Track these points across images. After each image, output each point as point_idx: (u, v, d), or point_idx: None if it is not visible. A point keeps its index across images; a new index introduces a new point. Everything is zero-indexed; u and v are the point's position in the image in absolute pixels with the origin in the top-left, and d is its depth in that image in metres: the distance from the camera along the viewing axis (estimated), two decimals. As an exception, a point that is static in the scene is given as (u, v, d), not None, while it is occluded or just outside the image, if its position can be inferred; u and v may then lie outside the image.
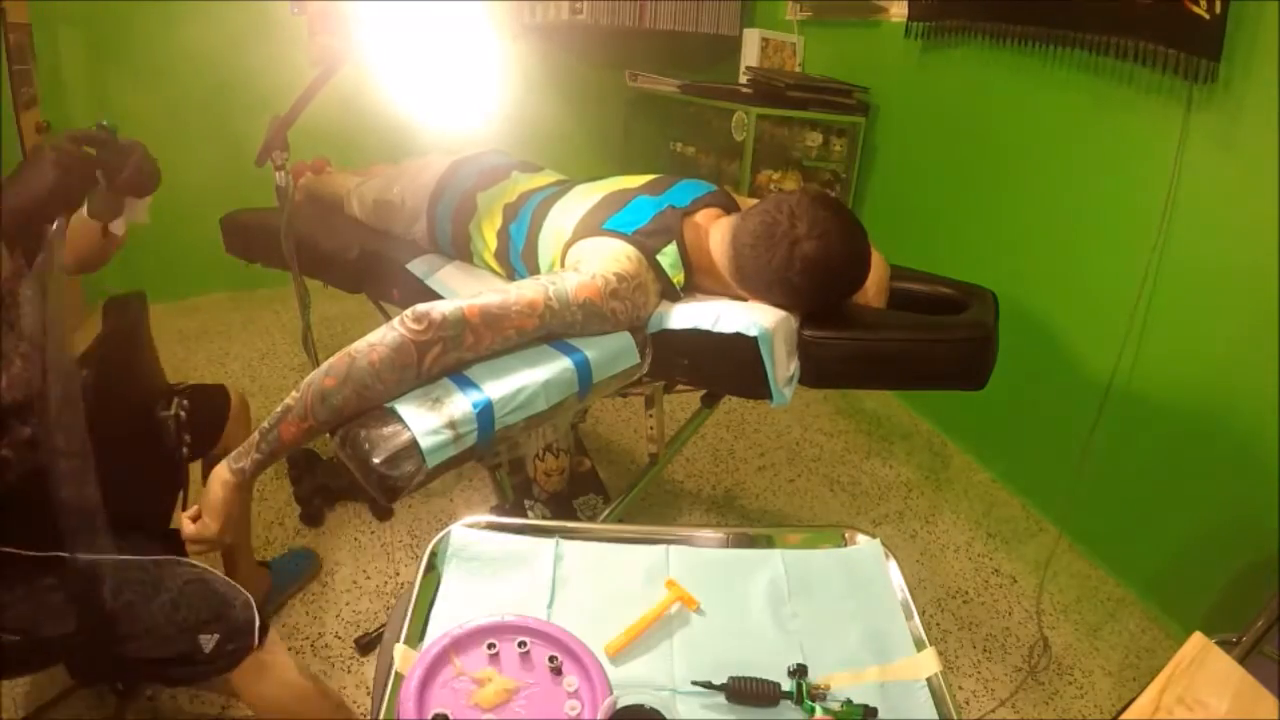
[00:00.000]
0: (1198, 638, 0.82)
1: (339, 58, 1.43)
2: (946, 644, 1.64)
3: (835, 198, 1.49)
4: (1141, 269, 1.71)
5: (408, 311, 0.93)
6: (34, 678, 1.43)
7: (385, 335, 0.91)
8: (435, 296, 1.39)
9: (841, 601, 0.84)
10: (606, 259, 1.09)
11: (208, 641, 0.97)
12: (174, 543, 1.03)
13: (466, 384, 0.96)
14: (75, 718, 1.32)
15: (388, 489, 0.89)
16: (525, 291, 1.01)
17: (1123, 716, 0.81)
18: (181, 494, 1.26)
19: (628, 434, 2.37)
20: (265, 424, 0.91)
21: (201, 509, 0.92)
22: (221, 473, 0.91)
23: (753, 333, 1.08)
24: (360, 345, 0.91)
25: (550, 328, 1.03)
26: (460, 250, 1.47)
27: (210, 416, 1.33)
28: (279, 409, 0.90)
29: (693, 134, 3.08)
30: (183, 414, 1.19)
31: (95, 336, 1.09)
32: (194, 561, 1.02)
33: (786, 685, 0.71)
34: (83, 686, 1.19)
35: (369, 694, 1.29)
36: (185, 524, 0.93)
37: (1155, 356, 1.74)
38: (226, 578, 1.02)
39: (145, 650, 0.97)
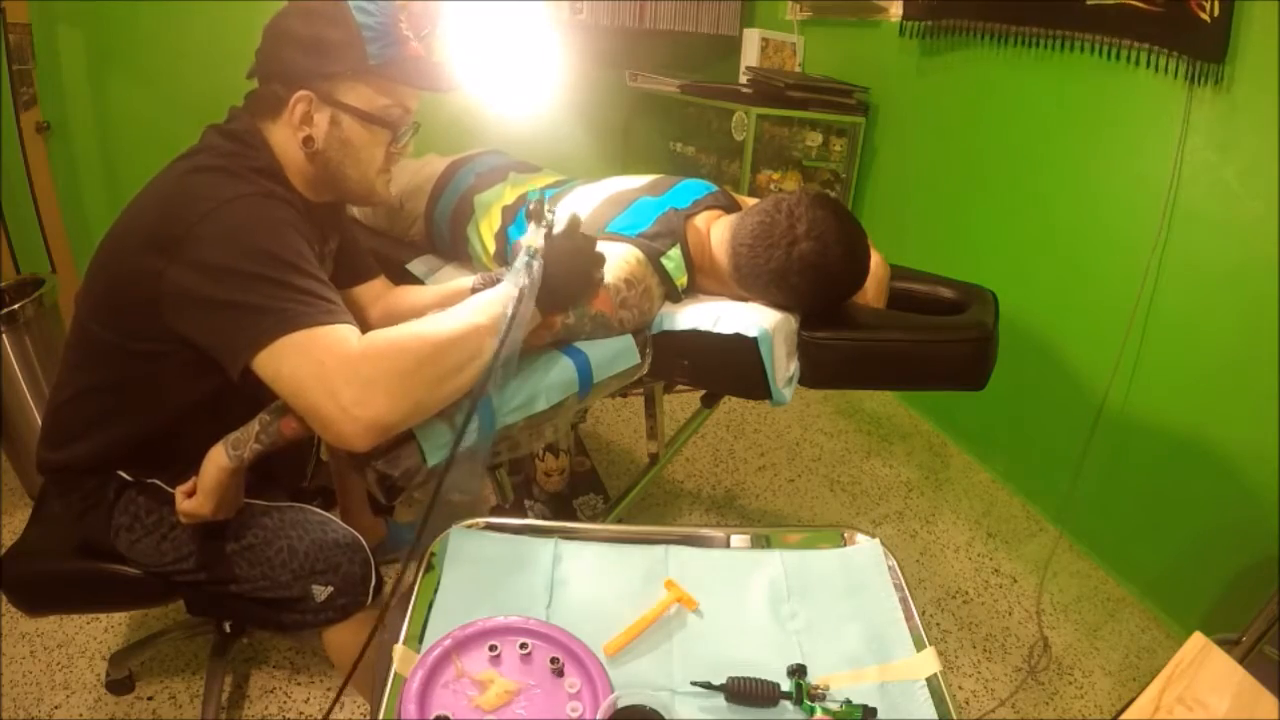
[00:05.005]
0: (1198, 638, 0.82)
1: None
2: (946, 644, 1.64)
3: (834, 198, 1.49)
4: (1142, 269, 1.71)
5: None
6: (123, 619, 1.55)
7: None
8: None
9: (841, 601, 0.84)
10: (615, 264, 1.09)
11: (320, 592, 1.00)
12: (303, 494, 1.10)
13: (466, 384, 0.96)
14: (172, 654, 1.43)
15: (387, 488, 0.89)
16: None
17: (1123, 716, 0.81)
18: (314, 448, 1.34)
19: (628, 434, 2.37)
20: (265, 415, 0.91)
21: (197, 488, 0.93)
22: (219, 458, 0.91)
23: (752, 333, 1.08)
24: None
25: (558, 338, 1.03)
26: (459, 252, 1.47)
27: None
28: (279, 402, 0.90)
29: (693, 134, 3.08)
30: None
31: None
32: (319, 510, 1.06)
33: (786, 685, 0.71)
34: (194, 615, 1.28)
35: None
36: (180, 498, 0.94)
37: (1156, 357, 1.74)
38: (352, 530, 1.04)
39: (259, 592, 1.00)
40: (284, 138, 0.95)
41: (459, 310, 0.86)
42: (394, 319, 1.02)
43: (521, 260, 0.85)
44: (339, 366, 0.78)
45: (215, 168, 0.89)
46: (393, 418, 0.79)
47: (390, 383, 0.78)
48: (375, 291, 1.24)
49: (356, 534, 1.04)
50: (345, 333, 0.81)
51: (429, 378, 0.81)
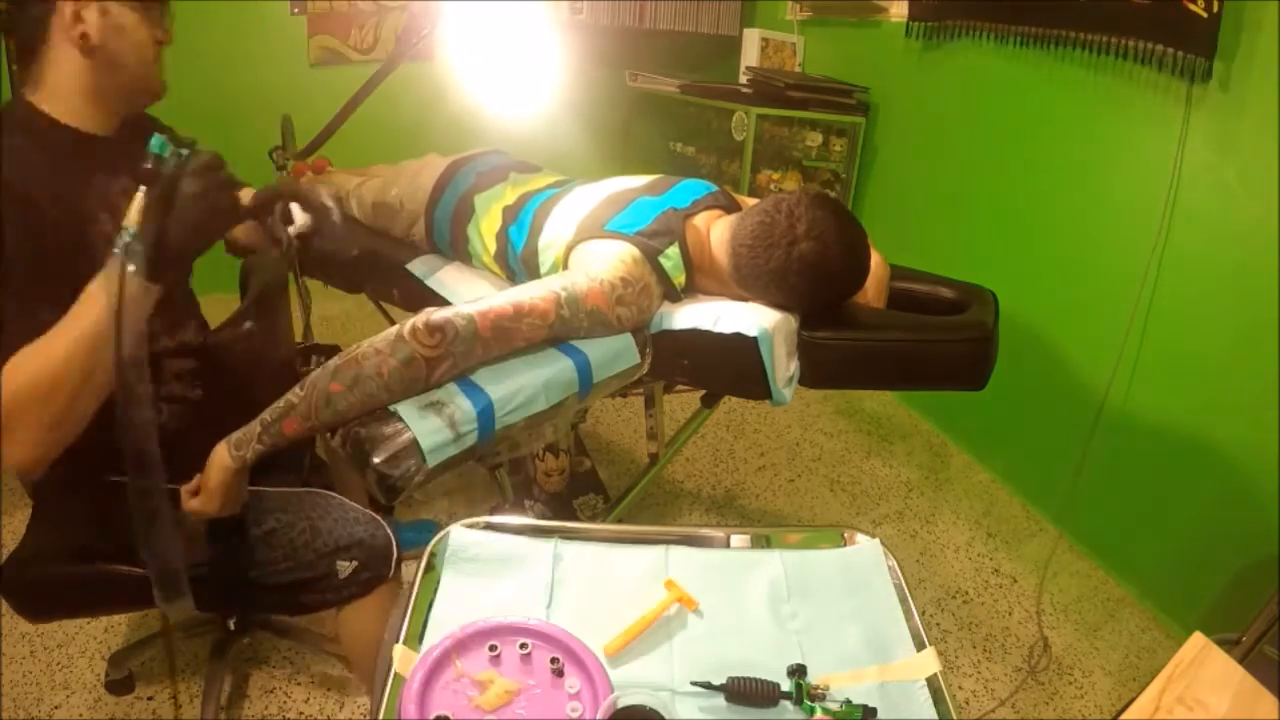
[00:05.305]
0: (1198, 638, 0.82)
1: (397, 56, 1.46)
2: (946, 644, 1.64)
3: (834, 198, 1.49)
4: (1141, 268, 1.71)
5: (420, 321, 0.92)
6: (124, 619, 1.56)
7: (396, 348, 0.91)
8: (436, 297, 1.39)
9: (841, 601, 0.84)
10: (611, 261, 1.09)
11: (345, 568, 1.02)
12: (309, 480, 1.13)
13: (468, 384, 0.96)
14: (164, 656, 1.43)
15: (388, 488, 0.89)
16: (537, 301, 1.00)
17: (1123, 716, 0.81)
18: (310, 447, 1.36)
19: (628, 434, 2.37)
20: (267, 416, 0.91)
21: (201, 487, 0.93)
22: (223, 458, 0.92)
23: (752, 333, 1.08)
24: (368, 352, 0.91)
25: (556, 334, 1.03)
26: (459, 252, 1.47)
27: None
28: (281, 403, 0.91)
29: (693, 134, 3.08)
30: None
31: (247, 300, 1.22)
32: (331, 493, 1.08)
33: (786, 685, 0.71)
34: (204, 611, 1.26)
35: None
36: (185, 497, 0.95)
37: (1155, 356, 1.74)
38: (366, 510, 1.06)
39: (283, 575, 1.02)
40: (55, 62, 0.92)
41: (68, 323, 0.80)
42: None
43: (119, 243, 0.78)
44: None
45: None
46: (27, 461, 0.80)
47: (24, 434, 0.78)
48: None
49: (372, 512, 1.06)
50: None
51: (48, 417, 0.79)
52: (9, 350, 0.79)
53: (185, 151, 0.82)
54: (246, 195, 0.95)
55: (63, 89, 0.94)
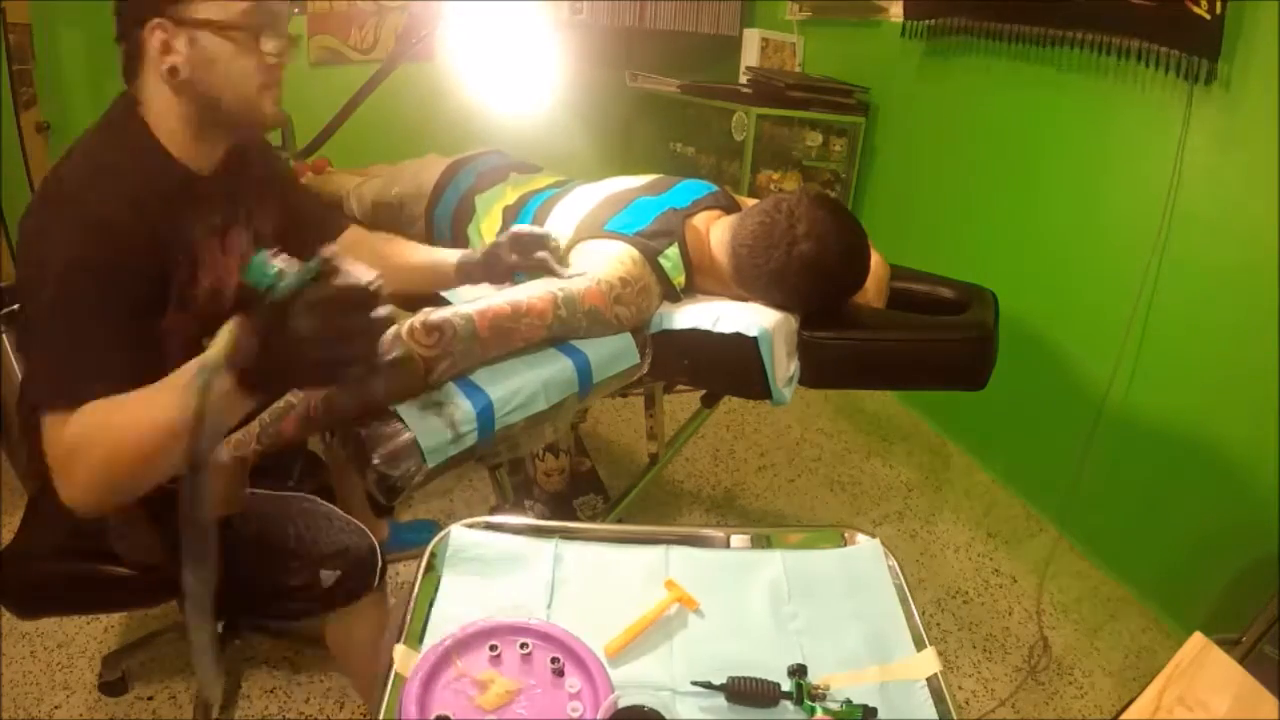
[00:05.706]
0: (1198, 638, 0.82)
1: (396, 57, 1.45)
2: (946, 644, 1.64)
3: (834, 198, 1.49)
4: (1142, 269, 1.71)
5: (418, 321, 0.92)
6: (123, 619, 1.56)
7: (394, 348, 0.91)
8: (435, 296, 1.39)
9: (841, 601, 0.84)
10: (610, 262, 1.09)
11: (329, 576, 1.00)
12: (299, 486, 1.13)
13: (467, 384, 0.96)
14: (172, 654, 1.44)
15: (387, 488, 0.89)
16: (535, 301, 1.00)
17: (1123, 716, 0.81)
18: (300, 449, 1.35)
19: (628, 434, 2.37)
20: (266, 416, 0.91)
21: None
22: (223, 458, 0.92)
23: (753, 333, 1.08)
24: None
25: (555, 334, 1.03)
26: (460, 251, 1.47)
27: None
28: (280, 404, 0.91)
29: (693, 134, 3.08)
30: None
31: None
32: (319, 500, 1.07)
33: (786, 685, 0.71)
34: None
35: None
36: None
37: (1156, 357, 1.74)
38: (355, 520, 1.06)
39: (266, 581, 1.01)
40: (154, 87, 0.87)
41: (147, 408, 0.74)
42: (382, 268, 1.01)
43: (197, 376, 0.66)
44: (52, 460, 0.77)
45: (78, 163, 0.86)
46: (79, 507, 0.78)
47: (84, 480, 0.77)
48: (346, 244, 1.19)
49: (359, 522, 1.06)
50: (58, 423, 0.77)
51: (107, 479, 0.77)
52: (69, 384, 0.77)
53: (293, 273, 0.65)
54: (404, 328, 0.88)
55: (162, 118, 0.89)
